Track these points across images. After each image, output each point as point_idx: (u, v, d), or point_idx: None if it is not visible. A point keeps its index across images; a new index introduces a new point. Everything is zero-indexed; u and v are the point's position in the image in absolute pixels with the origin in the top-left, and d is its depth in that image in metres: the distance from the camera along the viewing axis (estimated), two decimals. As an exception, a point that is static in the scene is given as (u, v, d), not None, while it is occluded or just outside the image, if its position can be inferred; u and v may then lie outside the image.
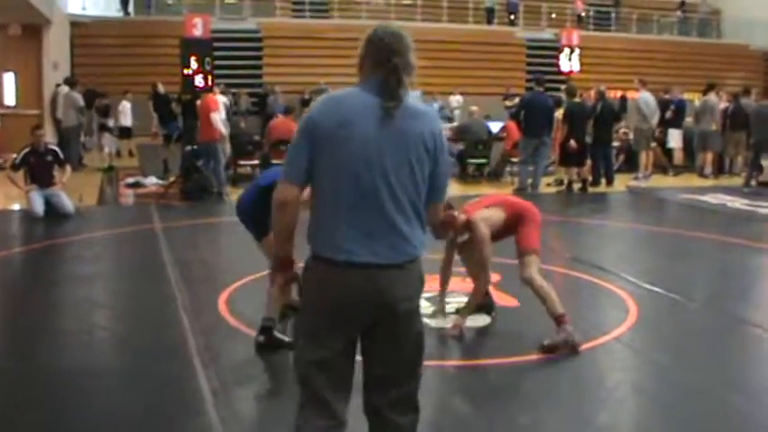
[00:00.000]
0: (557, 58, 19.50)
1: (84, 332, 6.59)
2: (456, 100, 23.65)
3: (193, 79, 13.32)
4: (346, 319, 3.20)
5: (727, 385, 5.45)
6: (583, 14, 30.78)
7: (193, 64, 13.21)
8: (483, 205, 6.76)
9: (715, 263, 9.73)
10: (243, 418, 4.95)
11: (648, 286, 8.03)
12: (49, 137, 19.34)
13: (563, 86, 17.29)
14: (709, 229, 11.60)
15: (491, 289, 7.19)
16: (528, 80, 25.42)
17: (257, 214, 5.81)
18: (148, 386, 5.36)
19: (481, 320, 6.82)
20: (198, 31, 13.75)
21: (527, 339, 6.30)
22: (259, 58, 26.42)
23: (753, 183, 15.65)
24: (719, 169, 18.05)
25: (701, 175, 17.43)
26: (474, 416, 5.02)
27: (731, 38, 32.47)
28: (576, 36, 18.38)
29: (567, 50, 17.94)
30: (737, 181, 16.67)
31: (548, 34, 28.59)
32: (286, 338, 5.92)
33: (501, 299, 7.36)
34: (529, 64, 27.70)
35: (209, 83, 13.49)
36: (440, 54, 27.15)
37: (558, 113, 15.04)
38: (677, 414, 5.05)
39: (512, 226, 6.56)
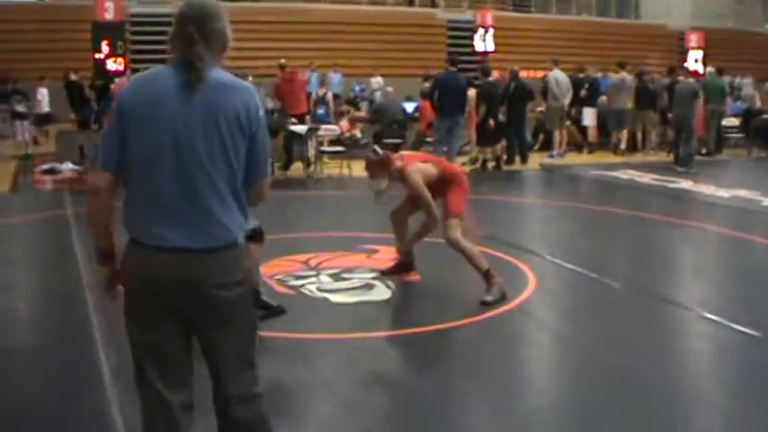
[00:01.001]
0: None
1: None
2: (377, 81, 23.74)
3: (105, 63, 13.20)
4: (160, 303, 3.03)
5: (607, 344, 5.79)
6: None
7: (105, 48, 13.10)
8: (419, 159, 7.08)
9: (619, 236, 10.06)
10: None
11: (550, 258, 8.31)
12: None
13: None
14: (616, 204, 11.99)
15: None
16: (448, 61, 25.62)
17: None
18: (50, 364, 5.43)
19: (384, 294, 6.98)
20: (109, 15, 13.61)
21: (431, 311, 6.57)
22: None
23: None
24: (632, 146, 18.49)
25: (616, 152, 17.81)
26: (386, 386, 5.17)
27: (649, 18, 33.07)
28: (490, 17, 18.53)
29: (481, 31, 18.08)
30: (648, 158, 17.12)
31: (468, 15, 28.78)
32: (273, 302, 6.23)
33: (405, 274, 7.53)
34: (450, 45, 27.81)
35: (123, 67, 13.38)
36: (361, 36, 27.23)
37: (472, 93, 15.25)
38: (564, 372, 5.39)
39: (441, 187, 6.83)
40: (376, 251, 8.25)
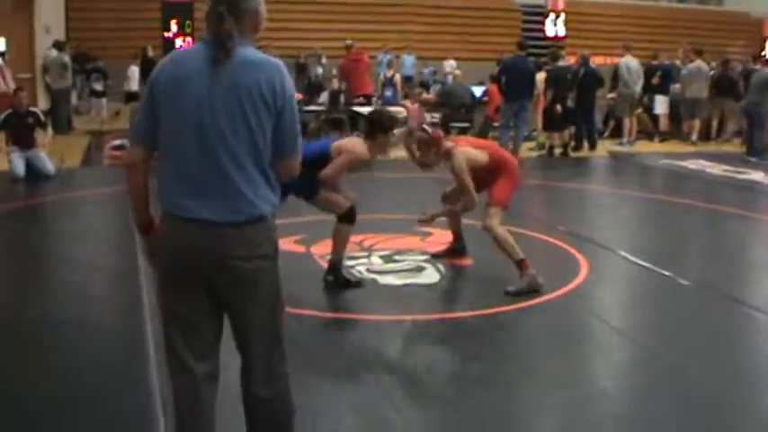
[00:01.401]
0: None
1: (46, 285, 6.83)
2: (449, 65, 23.59)
3: (174, 42, 13.40)
4: (189, 275, 3.11)
5: (661, 339, 5.65)
6: None
7: (173, 27, 13.29)
8: (471, 144, 7.01)
9: (682, 227, 9.83)
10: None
11: (605, 246, 8.22)
12: (42, 101, 19.57)
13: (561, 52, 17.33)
14: (683, 194, 11.75)
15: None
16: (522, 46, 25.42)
17: (298, 184, 5.43)
18: (96, 335, 5.59)
19: (433, 277, 6.97)
20: (178, -6, 13.82)
21: (478, 295, 6.57)
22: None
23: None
24: (707, 135, 18.09)
25: (687, 141, 17.45)
26: (430, 367, 5.11)
27: (732, 5, 32.28)
28: (561, 1, 18.27)
29: (552, 15, 17.85)
30: (722, 147, 16.74)
31: (542, 0, 28.49)
32: (352, 278, 6.67)
33: (456, 258, 7.51)
34: (524, 30, 27.56)
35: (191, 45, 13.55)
36: (434, 20, 27.14)
37: (540, 77, 15.09)
38: (611, 364, 5.29)
39: (489, 175, 6.77)
40: (430, 234, 8.22)
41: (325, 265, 6.83)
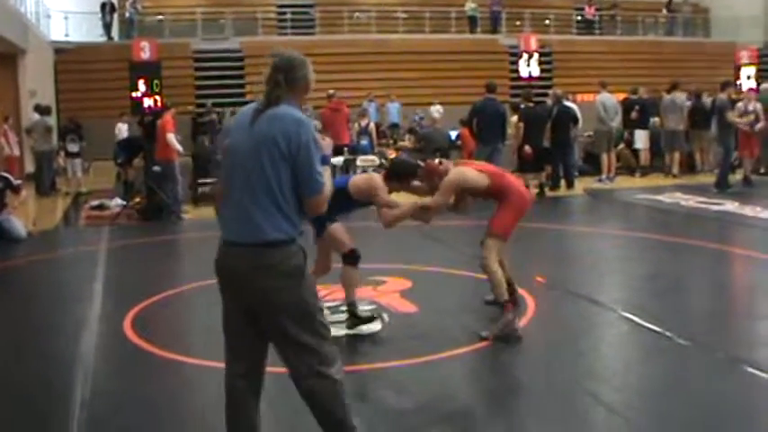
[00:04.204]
0: (538, 63, 19.23)
1: None
2: (436, 110, 23.75)
3: (142, 101, 13.52)
4: (228, 292, 3.85)
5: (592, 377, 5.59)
6: (595, 18, 31.04)
7: (142, 86, 13.42)
8: (475, 167, 6.97)
9: (645, 261, 9.70)
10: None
11: (550, 287, 8.24)
12: (28, 163, 19.78)
13: (549, 92, 17.44)
14: (654, 229, 11.71)
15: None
16: (512, 86, 25.58)
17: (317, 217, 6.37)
18: (27, 394, 5.63)
19: (375, 327, 6.94)
20: (145, 55, 13.93)
21: (415, 343, 6.48)
22: (242, 77, 26.66)
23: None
24: (690, 168, 18.08)
25: (669, 174, 17.44)
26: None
27: (719, 36, 32.43)
28: (534, 41, 18.39)
29: (525, 56, 17.97)
30: (703, 179, 16.70)
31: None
32: (365, 315, 6.93)
33: (402, 305, 7.50)
34: (512, 71, 27.76)
35: (159, 104, 13.68)
36: (423, 65, 27.39)
37: (514, 119, 15.15)
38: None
39: (494, 199, 6.76)
40: (384, 282, 8.22)
41: None
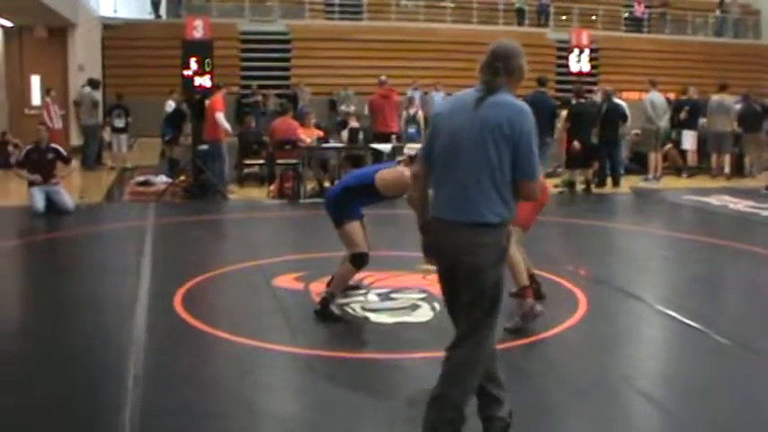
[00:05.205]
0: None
1: (38, 318, 7.05)
2: (481, 101, 23.56)
3: (193, 80, 13.53)
4: (443, 266, 4.07)
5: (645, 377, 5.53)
6: (644, 16, 30.70)
7: (193, 65, 13.42)
8: None
9: (689, 263, 9.62)
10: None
11: (597, 283, 8.22)
12: (75, 136, 19.93)
13: (594, 88, 17.27)
14: (702, 231, 11.57)
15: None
16: (558, 81, 25.40)
17: (337, 208, 6.76)
18: (80, 369, 5.67)
19: (426, 315, 6.93)
20: (198, 33, 13.94)
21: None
22: (287, 59, 26.68)
23: None
24: (739, 170, 17.87)
25: (715, 176, 17.25)
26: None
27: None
28: (585, 36, 18.21)
29: (576, 51, 17.81)
30: (750, 183, 16.50)
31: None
32: (336, 312, 6.82)
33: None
34: (559, 65, 27.56)
35: (210, 84, 13.69)
36: (469, 56, 27.02)
37: (563, 114, 15.04)
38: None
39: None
40: (433, 271, 8.15)
41: None
